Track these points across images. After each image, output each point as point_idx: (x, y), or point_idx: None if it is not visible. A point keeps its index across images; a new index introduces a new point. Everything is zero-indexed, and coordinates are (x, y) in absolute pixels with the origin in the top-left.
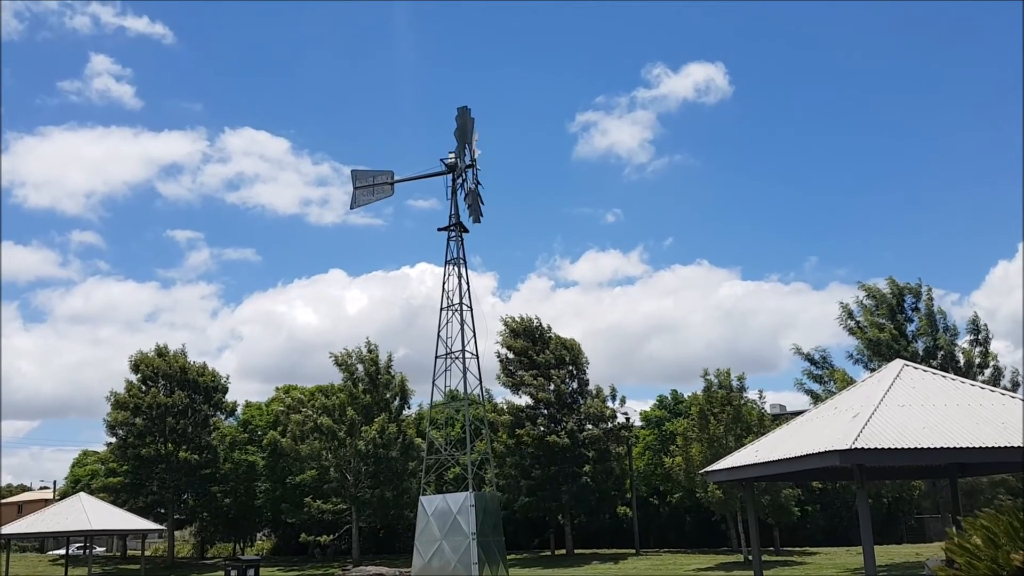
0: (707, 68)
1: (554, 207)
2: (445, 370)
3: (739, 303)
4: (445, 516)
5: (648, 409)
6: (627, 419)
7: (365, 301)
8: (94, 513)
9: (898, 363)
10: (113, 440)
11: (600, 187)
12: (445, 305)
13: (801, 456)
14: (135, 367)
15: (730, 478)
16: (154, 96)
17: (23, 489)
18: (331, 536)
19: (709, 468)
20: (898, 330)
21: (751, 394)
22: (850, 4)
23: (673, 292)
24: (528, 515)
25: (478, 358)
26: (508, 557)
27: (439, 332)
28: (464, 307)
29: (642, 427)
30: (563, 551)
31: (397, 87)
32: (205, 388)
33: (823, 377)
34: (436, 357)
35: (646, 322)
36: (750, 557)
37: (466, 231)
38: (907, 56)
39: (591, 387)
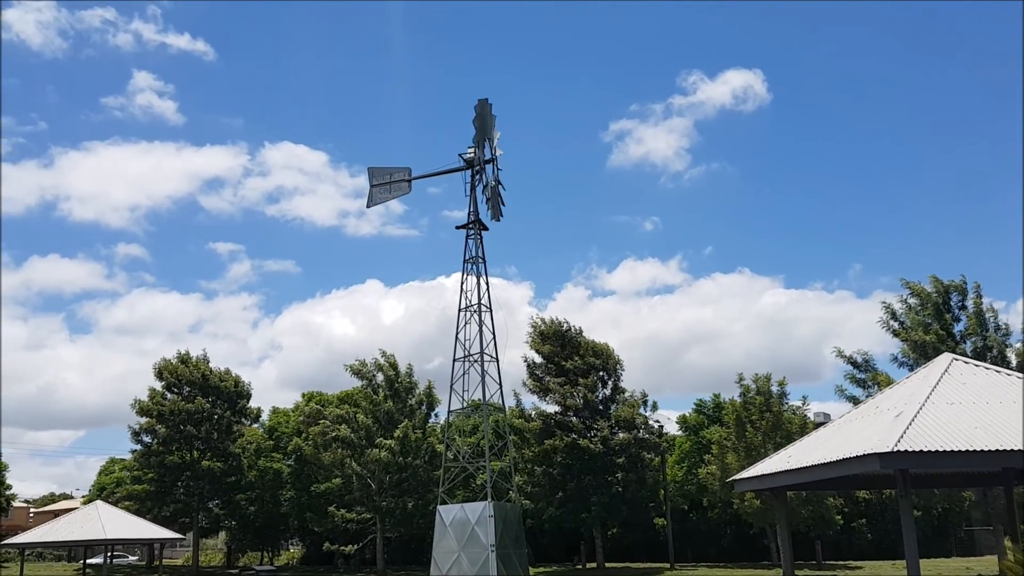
0: (745, 75)
1: (589, 216)
2: (463, 373)
3: (782, 312)
4: (463, 526)
5: (687, 414)
6: (660, 426)
7: (401, 311)
8: (109, 522)
9: (946, 357)
10: (138, 447)
11: (636, 195)
12: (464, 306)
13: (837, 461)
14: (159, 374)
15: (761, 487)
16: (196, 111)
17: (65, 498)
18: (355, 546)
19: (737, 476)
20: (945, 330)
21: (793, 400)
22: (889, 9)
23: (714, 301)
24: (561, 526)
25: (498, 361)
26: (536, 570)
27: (457, 334)
28: (483, 308)
29: (679, 434)
30: (594, 564)
31: (433, 99)
32: (228, 394)
33: (866, 381)
34: (454, 360)
35: (686, 331)
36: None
37: (485, 228)
38: (949, 60)
39: (626, 394)
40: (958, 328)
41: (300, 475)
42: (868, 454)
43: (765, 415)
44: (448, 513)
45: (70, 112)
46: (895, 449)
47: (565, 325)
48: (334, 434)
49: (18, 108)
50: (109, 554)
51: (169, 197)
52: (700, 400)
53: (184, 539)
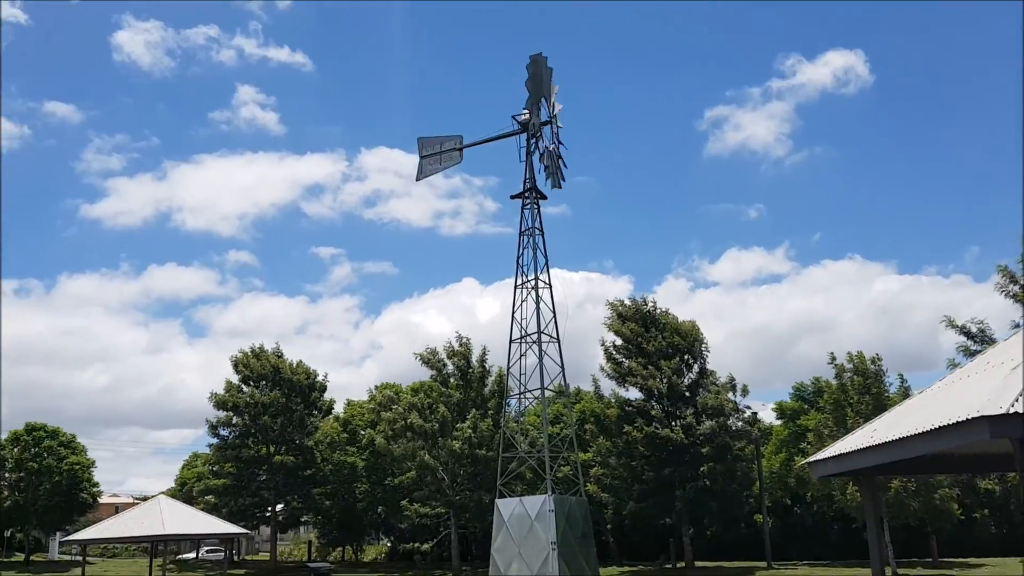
0: (846, 56)
1: (687, 206)
2: (521, 356)
3: (896, 299)
4: (522, 522)
5: (784, 401)
6: (753, 413)
7: (497, 308)
8: (171, 517)
9: None
10: (215, 441)
11: (737, 183)
12: (520, 282)
13: (932, 431)
14: (235, 366)
15: (839, 469)
16: (296, 122)
17: None
18: (430, 542)
19: (812, 458)
20: None
21: (892, 384)
22: None
23: (824, 289)
24: (646, 523)
25: (559, 341)
26: (620, 570)
27: (513, 313)
28: (541, 284)
29: (777, 423)
30: (683, 563)
31: (522, 97)
32: (300, 387)
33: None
34: (510, 341)
35: (795, 322)
36: (899, 571)
37: (544, 197)
38: None
39: (714, 378)
40: None
41: (375, 468)
42: (973, 418)
43: (864, 398)
44: (506, 507)
45: (180, 127)
46: (1011, 411)
47: (650, 305)
48: (408, 420)
49: (132, 125)
50: (199, 548)
51: (274, 205)
52: (799, 383)
53: (248, 533)
